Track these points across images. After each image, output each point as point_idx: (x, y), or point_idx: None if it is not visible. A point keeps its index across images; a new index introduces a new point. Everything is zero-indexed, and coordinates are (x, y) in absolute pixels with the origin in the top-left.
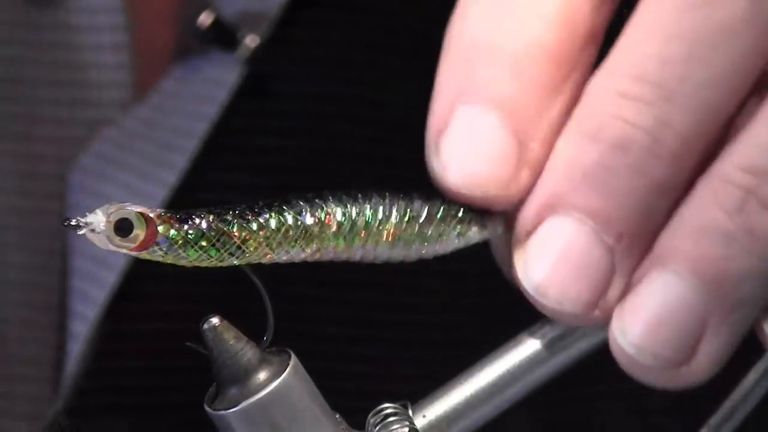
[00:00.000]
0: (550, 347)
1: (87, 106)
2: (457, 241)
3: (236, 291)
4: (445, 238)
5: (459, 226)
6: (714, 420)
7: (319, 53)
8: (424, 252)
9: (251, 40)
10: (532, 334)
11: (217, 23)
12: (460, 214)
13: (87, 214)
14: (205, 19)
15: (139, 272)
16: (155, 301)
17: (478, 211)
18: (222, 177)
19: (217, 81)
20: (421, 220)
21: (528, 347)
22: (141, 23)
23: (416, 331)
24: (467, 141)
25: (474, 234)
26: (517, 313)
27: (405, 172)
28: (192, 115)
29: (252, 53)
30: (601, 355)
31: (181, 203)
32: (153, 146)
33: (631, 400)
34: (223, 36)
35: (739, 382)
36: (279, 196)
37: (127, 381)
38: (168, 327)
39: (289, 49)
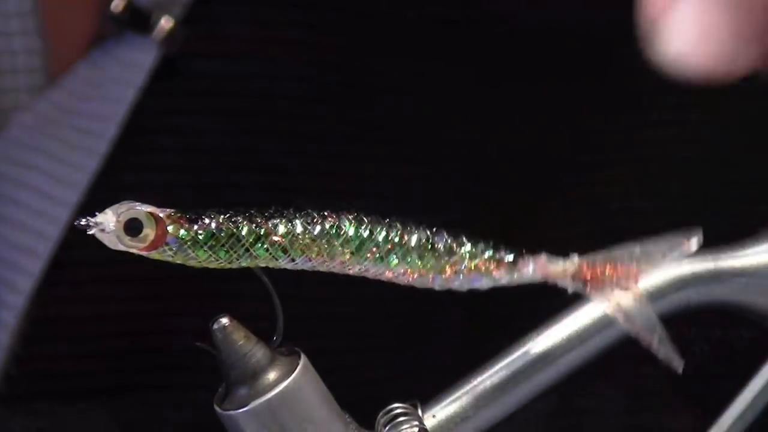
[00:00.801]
0: (559, 347)
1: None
2: (484, 280)
3: (163, 274)
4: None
5: (486, 266)
6: (723, 420)
7: (233, 31)
8: (443, 283)
9: (166, 22)
10: (541, 336)
11: (130, 6)
12: (487, 255)
13: (97, 213)
14: (118, 3)
15: (65, 258)
16: (82, 286)
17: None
18: (143, 159)
19: (133, 64)
20: (439, 252)
21: (536, 347)
22: (52, 9)
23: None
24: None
25: (502, 276)
26: (520, 314)
27: (323, 146)
28: (109, 99)
29: (167, 35)
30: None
31: (102, 187)
32: (71, 131)
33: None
34: (138, 19)
35: (747, 383)
36: (205, 176)
37: (56, 366)
38: (96, 311)
39: (203, 29)
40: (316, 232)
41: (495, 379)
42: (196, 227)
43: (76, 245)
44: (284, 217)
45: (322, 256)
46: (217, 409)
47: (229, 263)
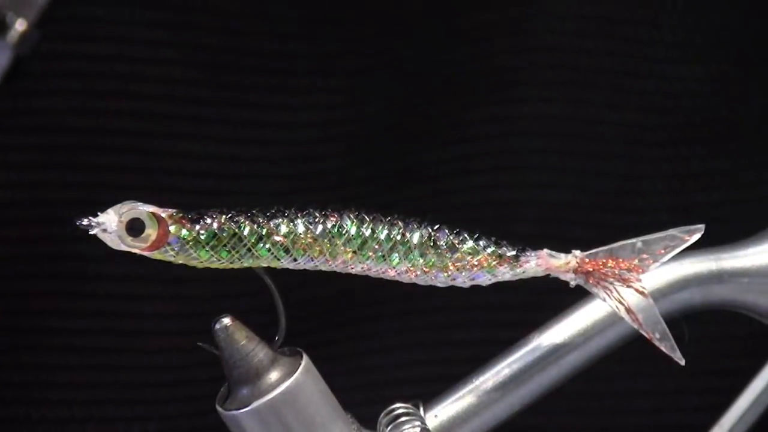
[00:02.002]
0: (562, 347)
1: None
2: (487, 276)
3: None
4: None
5: (489, 262)
6: (725, 420)
7: (88, 42)
8: (445, 280)
9: (20, 24)
10: (543, 334)
11: None
12: (489, 251)
13: (99, 213)
14: None
15: None
16: None
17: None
18: None
19: None
20: (441, 249)
21: (539, 347)
22: None
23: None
24: None
25: (505, 272)
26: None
27: (168, 160)
28: None
29: (20, 37)
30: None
31: None
32: None
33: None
34: None
35: (749, 382)
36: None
37: None
38: None
39: (56, 32)
40: (318, 232)
41: (497, 379)
42: (198, 227)
43: None
44: (286, 217)
45: (324, 255)
46: (220, 408)
47: (231, 263)
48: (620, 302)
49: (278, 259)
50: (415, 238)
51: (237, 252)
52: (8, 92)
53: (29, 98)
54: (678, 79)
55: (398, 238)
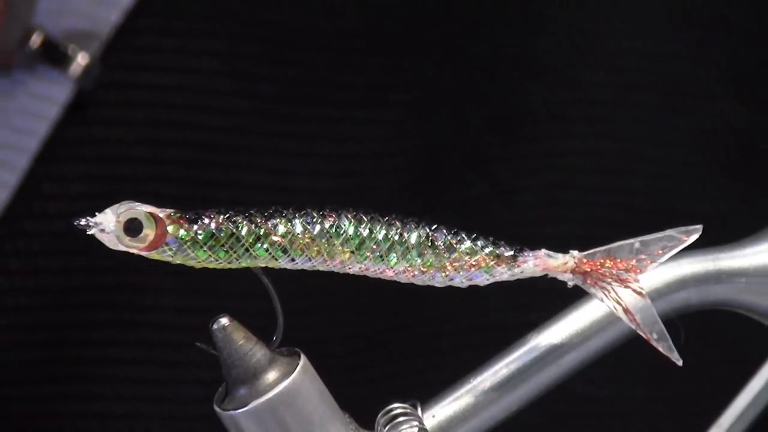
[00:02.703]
0: (560, 347)
1: None
2: (484, 276)
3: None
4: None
5: (487, 262)
6: (722, 420)
7: (148, 73)
8: (443, 281)
9: (82, 58)
10: (541, 335)
11: (46, 41)
12: (487, 251)
13: (96, 213)
14: (36, 39)
15: None
16: None
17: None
18: (57, 189)
19: (45, 97)
20: (438, 249)
21: (537, 347)
22: None
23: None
24: None
25: (503, 272)
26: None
27: (221, 191)
28: (19, 130)
29: (83, 71)
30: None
31: (12, 220)
32: None
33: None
34: (54, 54)
35: (747, 382)
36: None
37: None
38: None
39: (118, 67)
40: (315, 232)
41: (495, 379)
42: (195, 227)
43: None
44: (284, 217)
45: (322, 255)
46: (217, 408)
47: (229, 263)
48: (618, 302)
49: (276, 259)
50: (413, 238)
51: (235, 252)
52: (69, 123)
53: (90, 128)
54: (720, 115)
55: (396, 238)
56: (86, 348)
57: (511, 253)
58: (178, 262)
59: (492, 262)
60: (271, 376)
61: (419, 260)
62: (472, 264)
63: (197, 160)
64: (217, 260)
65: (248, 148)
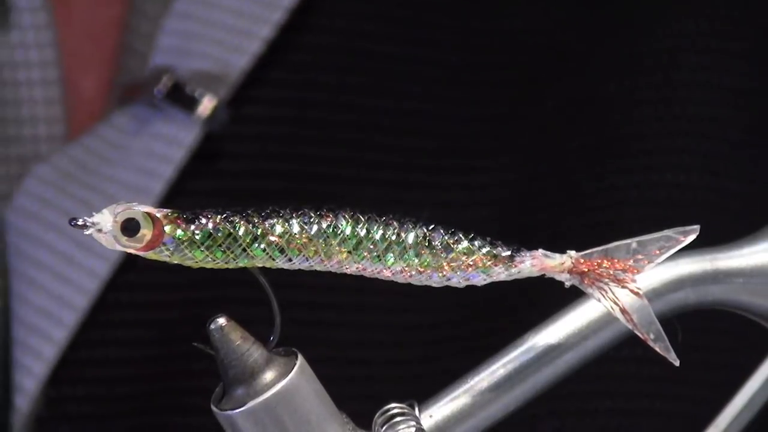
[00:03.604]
0: (557, 347)
1: (20, 142)
2: (482, 276)
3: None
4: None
5: (484, 262)
6: (719, 420)
7: (275, 114)
8: (440, 281)
9: (209, 101)
10: (538, 334)
11: (174, 83)
12: (484, 251)
13: (94, 213)
14: (166, 82)
15: (89, 320)
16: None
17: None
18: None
19: (171, 139)
20: (436, 249)
21: (534, 347)
22: (73, 60)
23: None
24: None
25: (500, 272)
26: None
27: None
28: (142, 171)
29: (210, 114)
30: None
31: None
32: (93, 194)
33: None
34: (181, 96)
35: (744, 382)
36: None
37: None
38: (119, 373)
39: (245, 110)
40: (312, 232)
41: (493, 379)
42: (193, 227)
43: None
44: (281, 217)
45: (319, 255)
46: (215, 409)
47: (226, 263)
48: (615, 303)
49: (273, 259)
50: (410, 238)
51: (232, 252)
52: (198, 168)
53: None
54: None
55: (393, 238)
56: (188, 379)
57: (508, 253)
58: (176, 262)
59: (489, 262)
60: (269, 376)
61: (416, 260)
62: (470, 264)
63: (303, 192)
64: (214, 260)
65: (359, 200)
